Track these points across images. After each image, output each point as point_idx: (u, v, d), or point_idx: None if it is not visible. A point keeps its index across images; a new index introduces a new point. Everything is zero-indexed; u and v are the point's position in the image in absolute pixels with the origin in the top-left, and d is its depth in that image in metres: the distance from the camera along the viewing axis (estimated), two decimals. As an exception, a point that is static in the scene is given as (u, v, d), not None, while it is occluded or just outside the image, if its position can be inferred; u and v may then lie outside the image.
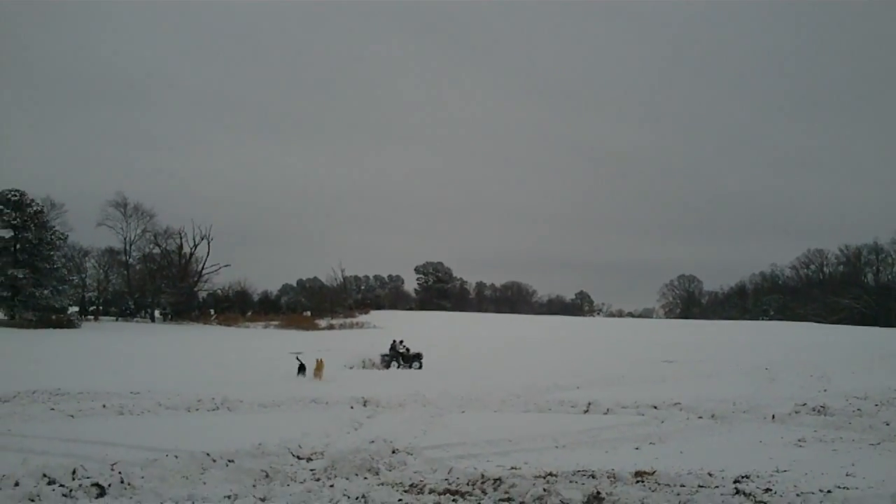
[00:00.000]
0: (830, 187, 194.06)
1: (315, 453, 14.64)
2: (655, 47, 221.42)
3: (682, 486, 11.66)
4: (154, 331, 75.53)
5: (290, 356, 41.72)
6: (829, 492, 11.03)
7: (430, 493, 11.68)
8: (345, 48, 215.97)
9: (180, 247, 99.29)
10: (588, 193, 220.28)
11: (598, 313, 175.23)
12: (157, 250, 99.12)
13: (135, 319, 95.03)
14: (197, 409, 21.16)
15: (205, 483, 12.06)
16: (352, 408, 21.39)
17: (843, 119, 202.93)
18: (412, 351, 43.06)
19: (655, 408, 21.15)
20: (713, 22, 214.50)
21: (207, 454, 13.60)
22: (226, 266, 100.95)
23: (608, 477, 12.34)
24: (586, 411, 21.07)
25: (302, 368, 33.76)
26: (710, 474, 12.39)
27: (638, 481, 12.06)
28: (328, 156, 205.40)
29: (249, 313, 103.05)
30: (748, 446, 15.49)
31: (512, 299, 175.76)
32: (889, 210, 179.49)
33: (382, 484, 12.27)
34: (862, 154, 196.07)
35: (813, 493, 10.92)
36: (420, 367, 40.92)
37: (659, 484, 11.83)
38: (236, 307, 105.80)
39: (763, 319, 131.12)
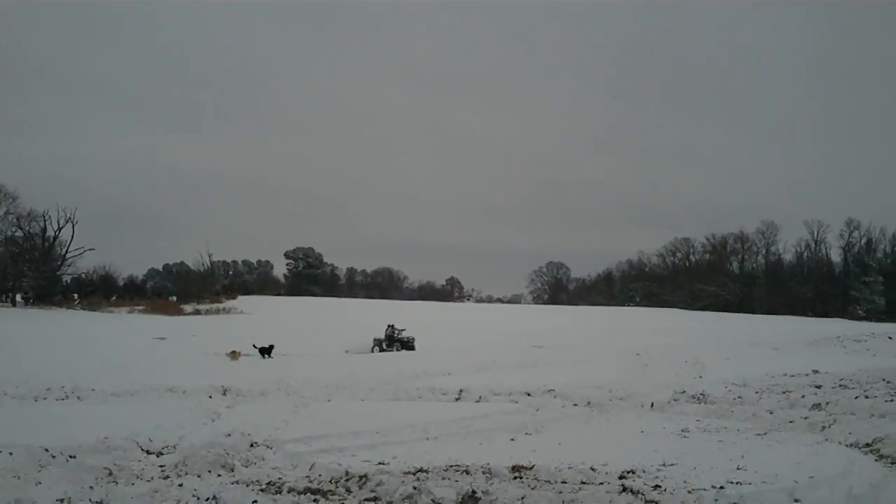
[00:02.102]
0: (697, 179, 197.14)
1: (166, 447, 13.47)
2: (530, 40, 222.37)
3: (564, 482, 10.82)
4: (14, 315, 72.58)
5: (153, 342, 40.31)
6: (721, 488, 10.31)
7: (288, 492, 10.64)
8: (222, 35, 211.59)
9: (44, 230, 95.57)
10: (460, 181, 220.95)
11: (468, 299, 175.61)
12: (19, 233, 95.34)
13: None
14: (45, 399, 19.73)
15: (39, 483, 10.81)
16: (210, 397, 20.14)
17: (711, 114, 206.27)
18: (405, 337, 43.80)
19: (529, 395, 20.44)
20: (587, 18, 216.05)
21: (46, 449, 12.36)
22: (90, 250, 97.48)
23: (483, 472, 11.44)
24: (458, 399, 20.28)
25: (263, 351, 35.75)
26: (592, 469, 11.59)
27: (515, 477, 11.18)
28: (199, 141, 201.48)
29: (114, 298, 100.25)
30: (629, 437, 14.79)
31: (383, 285, 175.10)
32: (755, 201, 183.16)
33: (237, 482, 11.18)
34: (727, 147, 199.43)
35: (705, 490, 10.18)
36: (412, 349, 42.16)
37: (538, 480, 10.96)
38: (101, 292, 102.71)
39: (629, 306, 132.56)
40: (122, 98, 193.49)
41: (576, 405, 18.91)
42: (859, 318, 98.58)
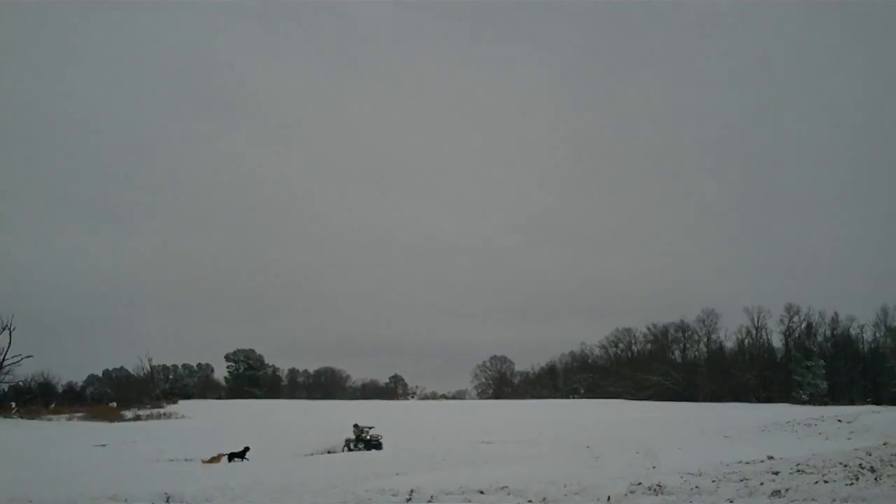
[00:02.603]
0: (637, 268, 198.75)
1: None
2: (465, 129, 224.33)
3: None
4: (-51, 425, 71.09)
5: (93, 449, 39.31)
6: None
7: None
8: (156, 135, 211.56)
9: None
10: (400, 278, 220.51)
11: (412, 396, 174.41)
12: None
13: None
14: (-23, 513, 18.90)
15: None
16: (152, 504, 19.48)
17: (643, 197, 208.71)
18: (373, 435, 43.63)
19: (482, 492, 19.75)
20: (524, 105, 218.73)
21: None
22: (28, 357, 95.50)
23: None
24: (409, 500, 19.53)
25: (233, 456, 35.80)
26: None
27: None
28: (132, 240, 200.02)
29: (53, 405, 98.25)
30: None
31: (325, 385, 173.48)
32: (694, 289, 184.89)
33: None
34: (666, 234, 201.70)
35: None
36: (380, 448, 41.64)
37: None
38: (39, 399, 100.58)
39: (574, 398, 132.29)
40: (58, 203, 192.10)
41: (530, 502, 18.35)
42: (803, 402, 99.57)
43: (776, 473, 20.32)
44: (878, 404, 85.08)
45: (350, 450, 41.85)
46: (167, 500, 20.04)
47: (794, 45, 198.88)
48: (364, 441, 42.80)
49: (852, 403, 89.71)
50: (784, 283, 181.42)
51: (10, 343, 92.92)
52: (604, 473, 23.05)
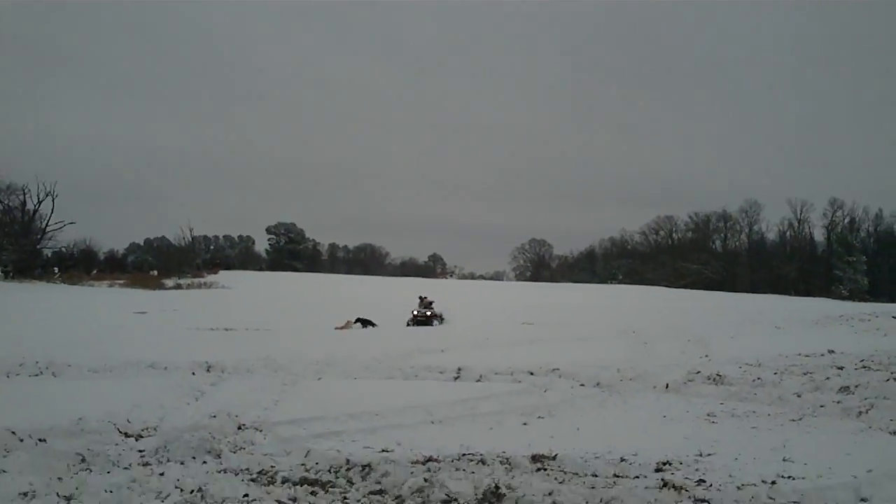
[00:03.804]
0: (680, 156, 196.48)
1: (146, 429, 12.25)
2: (507, 13, 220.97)
3: (594, 475, 9.61)
4: (-6, 288, 71.57)
5: (133, 316, 39.16)
6: (773, 483, 9.11)
7: (282, 482, 9.41)
8: (199, 14, 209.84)
9: (23, 203, 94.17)
10: (439, 158, 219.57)
11: (451, 275, 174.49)
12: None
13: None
14: (17, 375, 18.37)
15: (3, 472, 9.60)
16: (193, 374, 18.82)
17: (691, 90, 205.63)
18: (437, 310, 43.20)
19: (532, 374, 19.12)
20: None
21: (13, 432, 11.11)
22: (70, 223, 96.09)
23: (501, 462, 10.20)
24: (457, 378, 18.96)
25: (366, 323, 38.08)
26: (622, 459, 10.38)
27: (539, 469, 9.92)
28: (177, 114, 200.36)
29: (94, 272, 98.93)
30: (653, 422, 13.56)
31: (365, 261, 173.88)
32: (737, 180, 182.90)
33: (224, 471, 9.96)
34: (710, 125, 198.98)
35: (756, 485, 9.00)
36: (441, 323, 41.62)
37: (565, 472, 9.73)
38: (81, 265, 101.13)
39: (613, 283, 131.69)
40: (100, 73, 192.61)
41: (582, 385, 17.62)
42: (843, 298, 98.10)
43: (841, 368, 19.50)
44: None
45: (418, 324, 40.85)
46: (208, 369, 19.56)
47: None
48: (433, 315, 42.17)
49: (893, 301, 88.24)
50: (829, 177, 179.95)
51: (52, 209, 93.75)
52: (656, 360, 22.29)
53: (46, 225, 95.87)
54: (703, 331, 31.53)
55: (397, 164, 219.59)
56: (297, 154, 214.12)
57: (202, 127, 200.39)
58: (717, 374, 18.52)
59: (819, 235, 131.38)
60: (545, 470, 9.87)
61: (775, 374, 18.82)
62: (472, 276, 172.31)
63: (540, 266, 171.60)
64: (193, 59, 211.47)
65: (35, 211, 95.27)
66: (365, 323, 38.86)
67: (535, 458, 10.41)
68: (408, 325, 40.57)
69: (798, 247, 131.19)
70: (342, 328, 37.13)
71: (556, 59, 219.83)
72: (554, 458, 10.44)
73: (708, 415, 14.05)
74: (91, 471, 9.86)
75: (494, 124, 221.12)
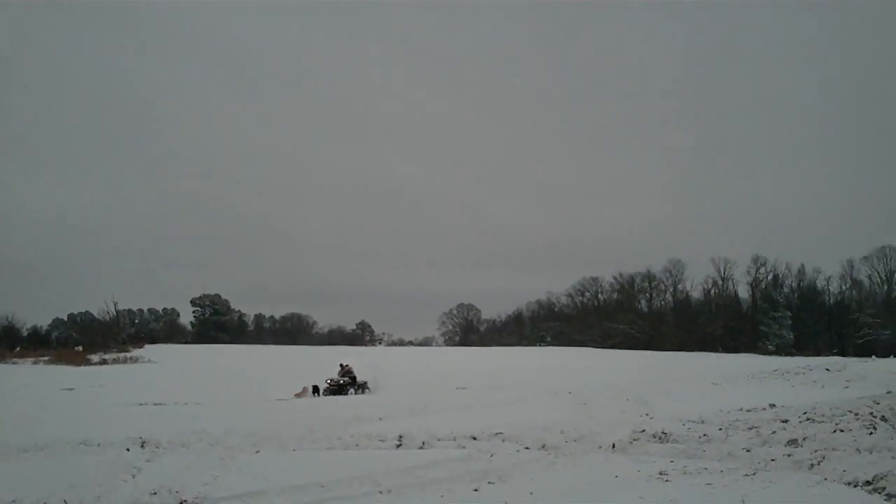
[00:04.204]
0: (603, 219, 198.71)
1: (84, 510, 11.81)
2: (413, 75, 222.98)
3: (557, 541, 9.41)
4: (-89, 372, 69.86)
5: (60, 393, 38.43)
6: (738, 539, 8.98)
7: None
8: (108, 65, 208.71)
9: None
10: (368, 225, 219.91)
11: (380, 342, 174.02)
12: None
13: None
14: (-58, 457, 17.74)
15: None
16: (128, 450, 18.17)
17: (611, 149, 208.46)
18: (357, 377, 41.74)
19: (475, 439, 18.83)
20: (483, 48, 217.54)
21: (-58, 519, 10.66)
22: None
23: (461, 531, 9.98)
24: (399, 445, 18.56)
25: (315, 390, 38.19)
26: (583, 524, 10.21)
27: (497, 536, 9.73)
28: (98, 184, 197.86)
29: (18, 349, 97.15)
30: (605, 483, 13.33)
31: (292, 331, 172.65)
32: (660, 240, 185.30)
33: (170, 550, 9.59)
34: (632, 185, 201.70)
35: (723, 544, 8.87)
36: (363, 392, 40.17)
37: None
38: (4, 342, 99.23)
39: (541, 345, 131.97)
40: (16, 143, 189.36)
41: (528, 448, 17.38)
42: (769, 353, 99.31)
43: (785, 421, 19.48)
44: (842, 356, 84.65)
45: (335, 392, 39.59)
46: (142, 445, 19.00)
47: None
48: (354, 383, 40.93)
49: (818, 355, 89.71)
50: (751, 236, 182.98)
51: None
52: (597, 420, 22.15)
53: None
54: (640, 390, 31.55)
55: (320, 232, 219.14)
56: (221, 223, 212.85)
57: (126, 198, 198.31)
58: (663, 433, 18.38)
59: (743, 292, 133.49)
60: (504, 537, 9.60)
61: (720, 429, 18.74)
62: (402, 343, 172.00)
63: (468, 330, 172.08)
64: (115, 128, 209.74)
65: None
66: (315, 390, 38.91)
67: (491, 526, 10.12)
68: (323, 394, 39.59)
69: (723, 304, 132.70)
70: (299, 395, 37.64)
71: (482, 125, 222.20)
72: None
73: (660, 473, 13.88)
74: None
75: (419, 190, 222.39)
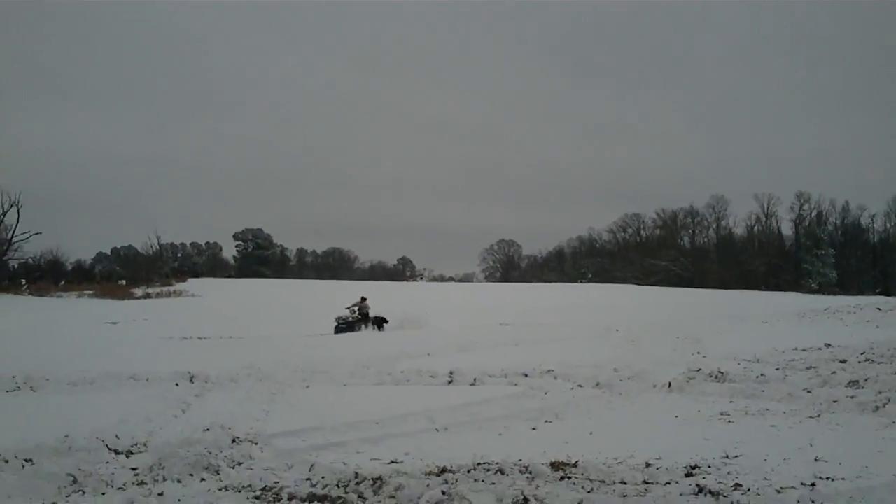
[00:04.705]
0: (646, 154, 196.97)
1: (136, 445, 11.57)
2: (472, 13, 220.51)
3: (623, 482, 9.02)
4: (-40, 302, 70.51)
5: (105, 327, 38.57)
6: (812, 485, 8.61)
7: (289, 500, 8.78)
8: (163, 11, 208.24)
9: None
10: (407, 160, 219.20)
11: (421, 278, 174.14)
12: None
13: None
14: (-7, 391, 17.69)
15: (-11, 496, 8.99)
16: (177, 385, 18.09)
17: (655, 86, 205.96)
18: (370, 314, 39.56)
19: (527, 376, 18.56)
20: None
21: (-2, 452, 10.52)
22: (36, 234, 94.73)
23: (520, 471, 9.57)
24: (450, 382, 18.33)
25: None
26: (648, 464, 9.80)
27: (562, 477, 9.29)
28: (143, 121, 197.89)
29: (63, 283, 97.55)
30: (666, 424, 13.01)
31: (334, 266, 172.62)
32: (704, 176, 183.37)
33: (225, 488, 9.34)
34: (674, 121, 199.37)
35: (795, 488, 8.48)
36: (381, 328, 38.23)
37: (591, 480, 9.13)
38: (49, 276, 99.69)
39: (581, 282, 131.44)
40: (62, 80, 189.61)
41: (581, 387, 17.06)
42: (812, 292, 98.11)
43: (843, 362, 19.08)
44: (887, 295, 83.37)
45: (344, 330, 37.51)
46: (191, 379, 18.90)
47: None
48: (367, 319, 38.99)
49: (861, 294, 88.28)
50: (795, 171, 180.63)
51: (18, 220, 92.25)
52: (649, 358, 21.82)
53: (12, 236, 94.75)
54: (689, 327, 31.19)
55: (363, 167, 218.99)
56: (263, 159, 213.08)
57: (168, 134, 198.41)
58: (719, 372, 17.99)
59: (787, 229, 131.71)
60: (569, 478, 9.28)
61: (777, 369, 18.38)
62: (442, 279, 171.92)
63: (509, 267, 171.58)
64: (158, 65, 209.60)
65: (0, 221, 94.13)
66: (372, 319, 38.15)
67: (555, 466, 9.80)
68: (336, 331, 37.63)
69: (766, 241, 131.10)
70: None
71: (523, 59, 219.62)
72: (575, 465, 9.85)
73: (721, 414, 13.54)
74: (84, 493, 9.24)
75: (461, 125, 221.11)
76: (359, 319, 38.92)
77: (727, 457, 10.20)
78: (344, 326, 38.04)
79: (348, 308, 40.19)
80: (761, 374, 17.52)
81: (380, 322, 39.27)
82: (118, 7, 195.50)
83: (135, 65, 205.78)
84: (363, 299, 40.75)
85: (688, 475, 9.30)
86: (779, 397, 14.88)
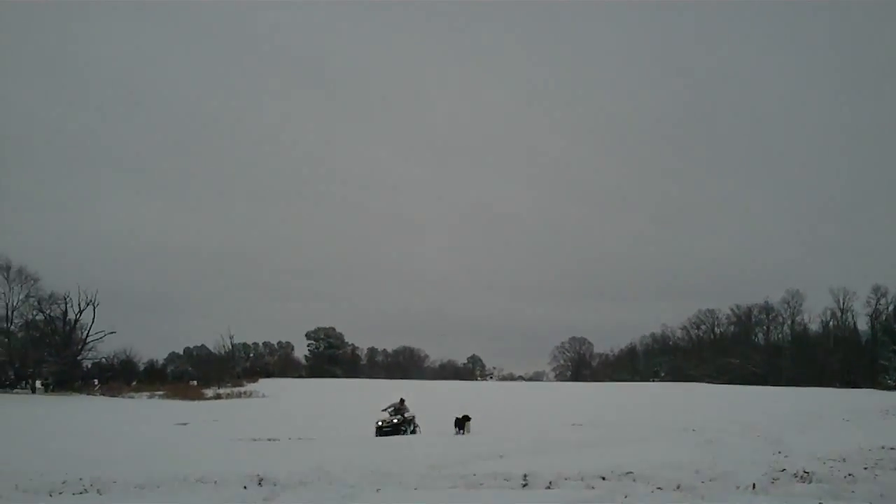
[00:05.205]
0: (719, 247, 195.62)
1: (204, 554, 11.30)
2: (544, 103, 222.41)
3: None
4: (33, 402, 71.00)
5: (175, 428, 38.50)
6: None
7: None
8: (231, 105, 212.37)
9: (65, 312, 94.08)
10: (478, 256, 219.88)
11: (490, 377, 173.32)
12: (40, 317, 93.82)
13: (14, 391, 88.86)
14: (60, 493, 17.48)
15: None
16: (245, 488, 17.79)
17: (728, 178, 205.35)
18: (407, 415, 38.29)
19: (604, 479, 17.88)
20: (602, 81, 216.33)
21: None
22: (111, 333, 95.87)
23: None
24: (525, 485, 17.73)
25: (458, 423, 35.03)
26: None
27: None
28: (217, 219, 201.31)
29: (134, 383, 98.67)
30: (760, 529, 12.49)
31: (404, 365, 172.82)
32: (778, 270, 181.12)
33: None
34: (749, 214, 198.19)
35: None
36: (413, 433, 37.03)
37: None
38: (121, 377, 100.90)
39: (654, 381, 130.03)
40: (141, 177, 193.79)
41: (661, 489, 16.40)
42: (890, 388, 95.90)
43: (934, 461, 18.43)
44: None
45: (384, 434, 35.84)
46: (260, 482, 18.57)
47: None
48: (404, 421, 37.53)
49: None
50: (871, 264, 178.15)
51: (93, 319, 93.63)
52: (731, 459, 21.08)
53: (87, 335, 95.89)
54: (767, 426, 30.44)
55: (436, 264, 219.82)
56: (337, 256, 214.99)
57: (243, 231, 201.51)
58: (805, 472, 17.32)
59: (863, 324, 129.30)
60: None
61: (865, 468, 17.69)
62: (512, 377, 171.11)
63: (580, 365, 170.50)
64: (236, 161, 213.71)
65: (76, 321, 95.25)
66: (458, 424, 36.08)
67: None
68: (376, 435, 36.10)
69: (842, 337, 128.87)
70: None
71: (587, 150, 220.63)
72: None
73: (815, 518, 12.91)
74: None
75: (532, 219, 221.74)
76: (403, 421, 37.73)
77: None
78: (389, 430, 36.72)
79: (385, 410, 39.05)
80: (849, 474, 16.83)
81: (413, 423, 38.47)
82: (196, 98, 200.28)
83: (208, 162, 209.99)
84: (402, 401, 39.67)
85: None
86: (869, 498, 14.20)
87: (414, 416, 38.79)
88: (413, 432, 37.25)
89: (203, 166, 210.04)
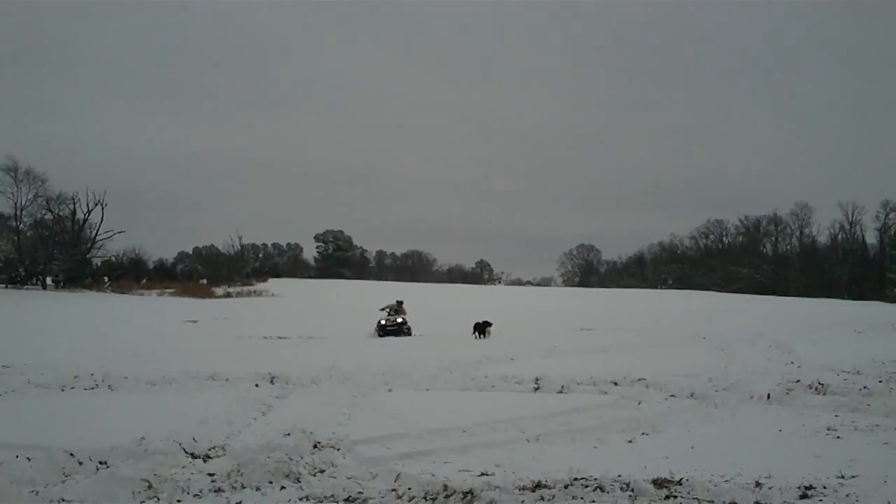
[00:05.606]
0: (729, 159, 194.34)
1: (214, 448, 11.15)
2: (554, 19, 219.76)
3: (734, 503, 8.44)
4: (44, 298, 71.46)
5: (185, 325, 38.49)
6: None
7: (375, 511, 8.35)
8: (241, 15, 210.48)
9: (73, 212, 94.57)
10: (487, 164, 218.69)
11: (499, 282, 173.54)
12: (49, 216, 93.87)
13: (25, 287, 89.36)
14: (72, 388, 17.54)
15: (62, 501, 8.58)
16: (257, 385, 17.80)
17: (740, 91, 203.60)
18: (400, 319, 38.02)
19: (616, 384, 17.87)
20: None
21: (72, 454, 10.10)
22: (120, 233, 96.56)
23: (622, 489, 8.95)
24: (537, 389, 17.65)
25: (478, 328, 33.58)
26: (758, 484, 9.14)
27: (667, 496, 8.66)
28: (225, 123, 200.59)
29: (144, 281, 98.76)
30: (770, 439, 12.22)
31: (412, 268, 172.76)
32: (788, 183, 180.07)
33: (307, 497, 8.87)
34: (759, 127, 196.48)
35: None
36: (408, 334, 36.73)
37: (699, 500, 8.49)
38: (131, 274, 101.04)
39: (662, 288, 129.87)
40: (149, 83, 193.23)
41: (674, 396, 16.27)
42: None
43: (952, 376, 18.25)
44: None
45: (387, 333, 36.44)
46: (272, 381, 18.52)
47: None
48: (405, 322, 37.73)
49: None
50: (880, 179, 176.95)
51: (102, 219, 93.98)
52: (743, 368, 20.97)
53: (96, 234, 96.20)
54: (779, 336, 30.11)
55: (444, 171, 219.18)
56: (345, 161, 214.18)
57: (251, 135, 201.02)
58: (819, 383, 17.18)
59: (871, 238, 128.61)
60: (674, 497, 8.63)
61: (880, 382, 17.53)
62: (520, 283, 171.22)
63: (588, 271, 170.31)
64: (244, 68, 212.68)
65: (85, 220, 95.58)
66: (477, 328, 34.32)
67: (658, 484, 9.13)
68: (379, 334, 36.59)
69: (850, 250, 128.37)
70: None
71: (602, 60, 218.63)
72: (680, 483, 9.18)
73: (828, 429, 12.72)
74: (159, 499, 8.84)
75: (542, 129, 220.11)
76: (403, 322, 37.88)
77: (842, 477, 9.46)
78: (393, 329, 37.04)
79: (383, 309, 39.33)
80: (864, 387, 16.68)
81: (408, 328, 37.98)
82: (207, 10, 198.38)
83: (222, 68, 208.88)
84: (399, 303, 40.03)
85: (803, 496, 8.60)
86: (885, 412, 14.02)
87: (406, 318, 38.60)
88: (408, 334, 37.13)
89: (216, 76, 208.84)
